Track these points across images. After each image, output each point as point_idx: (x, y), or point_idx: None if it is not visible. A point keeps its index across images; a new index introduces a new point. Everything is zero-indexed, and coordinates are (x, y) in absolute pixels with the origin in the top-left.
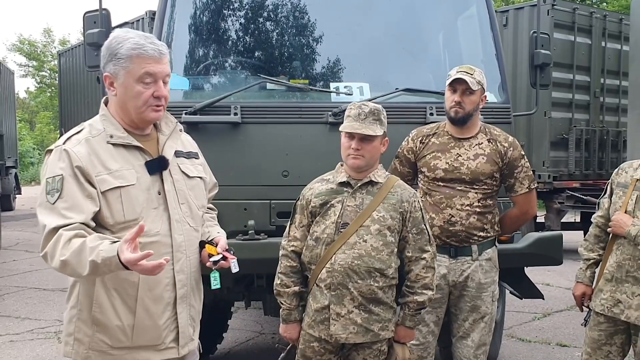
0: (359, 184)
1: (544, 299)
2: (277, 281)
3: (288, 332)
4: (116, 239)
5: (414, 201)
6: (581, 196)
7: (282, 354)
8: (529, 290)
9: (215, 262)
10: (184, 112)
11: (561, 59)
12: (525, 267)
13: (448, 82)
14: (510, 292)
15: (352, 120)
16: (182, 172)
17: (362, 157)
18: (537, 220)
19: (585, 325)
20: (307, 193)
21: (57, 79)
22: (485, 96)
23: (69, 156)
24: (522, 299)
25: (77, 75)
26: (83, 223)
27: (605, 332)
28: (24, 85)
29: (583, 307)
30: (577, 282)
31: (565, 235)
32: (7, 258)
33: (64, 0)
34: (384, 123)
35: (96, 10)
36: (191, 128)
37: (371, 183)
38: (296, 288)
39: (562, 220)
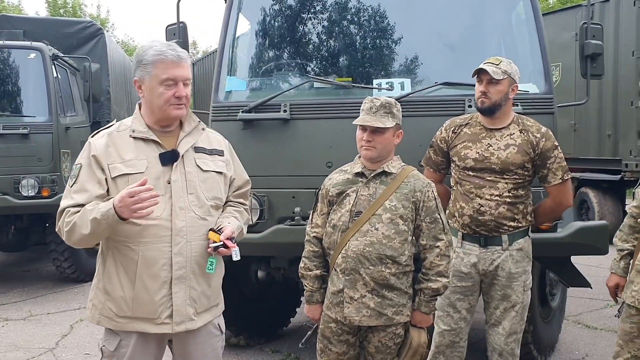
0: (372, 174)
1: (591, 288)
2: (301, 265)
3: (311, 312)
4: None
5: (428, 191)
6: None
7: (309, 332)
8: (575, 279)
9: (215, 249)
10: (241, 110)
11: None
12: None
13: (472, 74)
14: (559, 281)
15: (365, 114)
16: (197, 165)
17: (374, 149)
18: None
19: (618, 317)
20: (327, 183)
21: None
22: (517, 86)
23: (89, 147)
24: (568, 287)
25: (205, 82)
26: (84, 204)
27: (637, 325)
28: None
29: (617, 298)
30: (611, 272)
31: None
32: None
33: (209, 17)
34: (397, 116)
35: (175, 24)
36: (247, 125)
37: (385, 173)
38: (317, 271)
39: None
